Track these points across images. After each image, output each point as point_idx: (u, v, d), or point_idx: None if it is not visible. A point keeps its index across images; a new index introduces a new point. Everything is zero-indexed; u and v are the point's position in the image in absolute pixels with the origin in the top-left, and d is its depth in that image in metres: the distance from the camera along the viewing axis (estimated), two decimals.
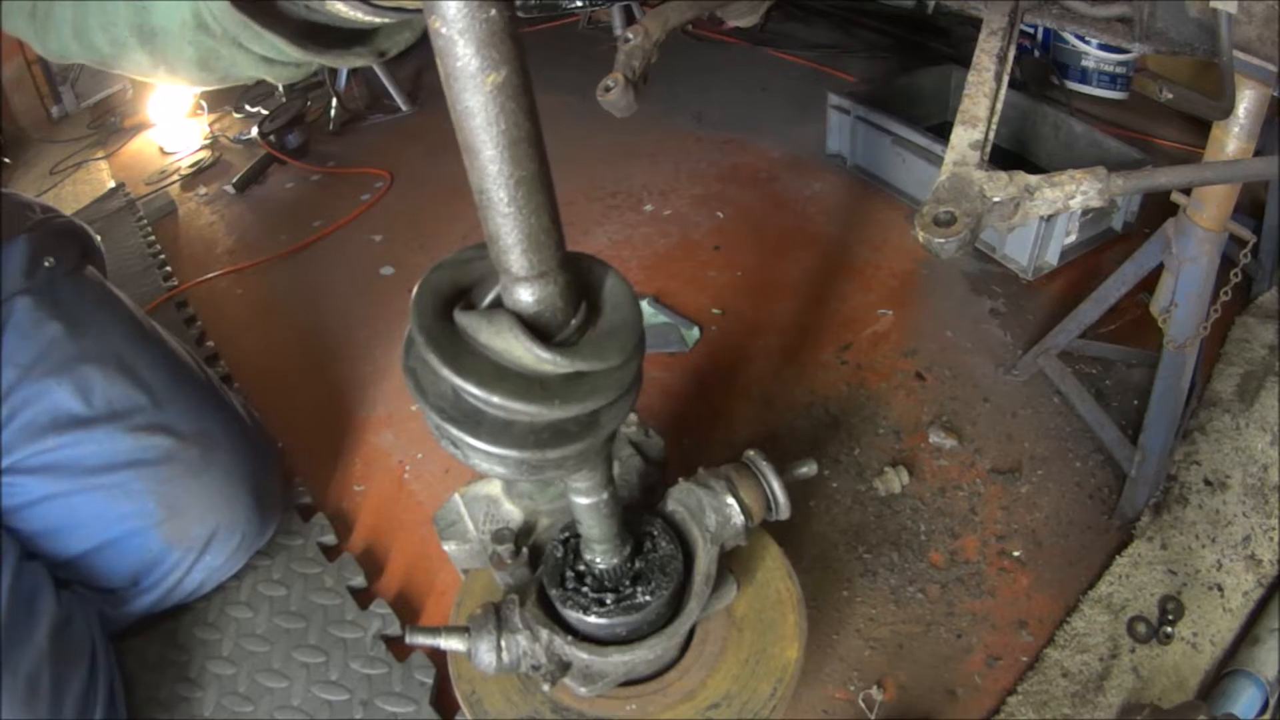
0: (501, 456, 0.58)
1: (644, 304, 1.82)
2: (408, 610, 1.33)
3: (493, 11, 0.42)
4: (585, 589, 0.85)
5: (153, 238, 2.32)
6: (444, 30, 0.42)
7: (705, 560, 0.88)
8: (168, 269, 2.17)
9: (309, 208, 2.41)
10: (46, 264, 1.28)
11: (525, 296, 0.55)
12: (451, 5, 0.42)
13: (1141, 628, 1.18)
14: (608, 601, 0.84)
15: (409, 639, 0.85)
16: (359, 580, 1.34)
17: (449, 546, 0.99)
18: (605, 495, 0.77)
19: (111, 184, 2.70)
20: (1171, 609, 1.20)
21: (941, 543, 1.34)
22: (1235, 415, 1.44)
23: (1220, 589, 1.23)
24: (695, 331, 1.78)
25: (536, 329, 0.56)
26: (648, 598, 0.84)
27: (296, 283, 2.12)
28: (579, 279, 0.59)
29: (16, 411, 1.18)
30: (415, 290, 0.58)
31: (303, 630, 1.28)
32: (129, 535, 1.20)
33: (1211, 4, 0.86)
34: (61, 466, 1.18)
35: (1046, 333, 1.57)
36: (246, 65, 0.67)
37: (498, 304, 0.58)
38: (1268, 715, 1.08)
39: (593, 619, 0.83)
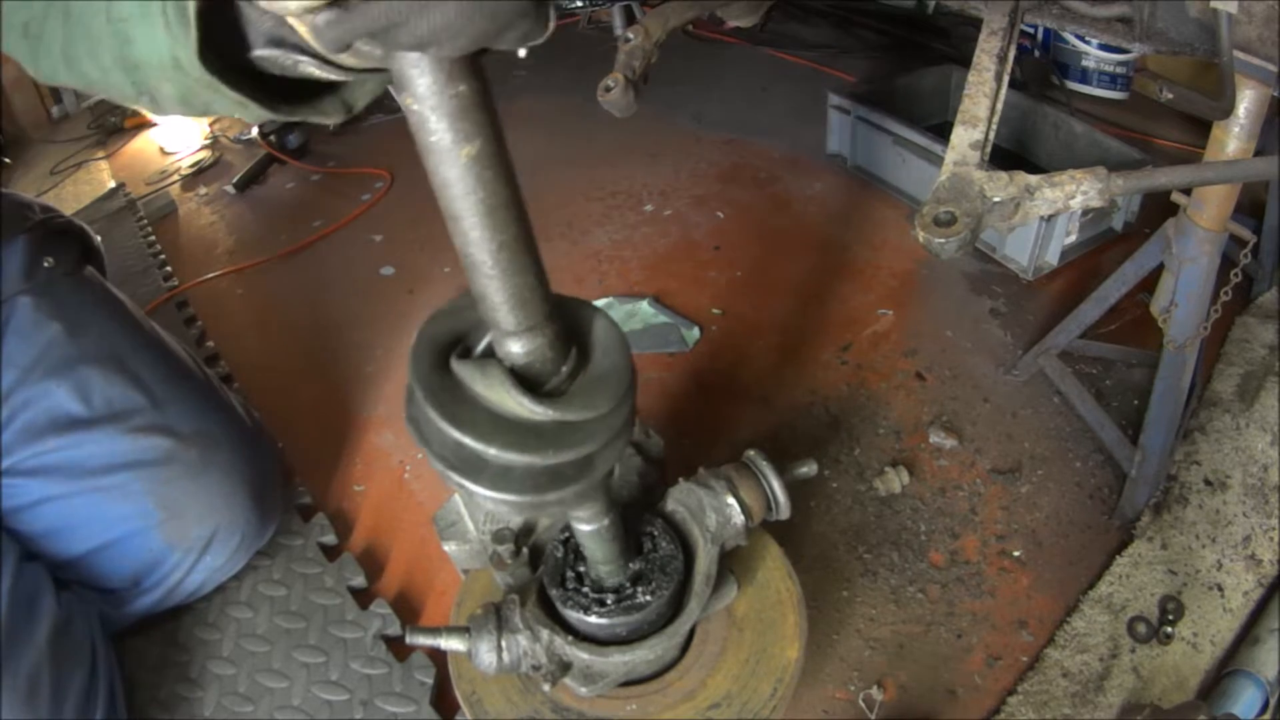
0: (502, 501, 0.59)
1: (644, 304, 1.83)
2: (408, 610, 1.33)
3: (462, 87, 0.43)
4: (586, 589, 0.85)
5: (153, 238, 2.32)
6: (416, 107, 0.44)
7: (705, 560, 0.88)
8: (168, 269, 2.17)
9: (309, 208, 2.41)
10: (46, 264, 1.28)
11: (515, 349, 0.57)
12: (421, 83, 0.43)
13: (1141, 628, 1.18)
14: (608, 602, 0.84)
15: (409, 639, 0.86)
16: (359, 580, 1.34)
17: (449, 547, 0.99)
18: (606, 522, 0.77)
19: (111, 184, 2.69)
20: (1171, 609, 1.20)
21: (941, 543, 1.34)
22: (1235, 415, 1.44)
23: (1220, 589, 1.23)
24: (695, 331, 1.78)
25: (528, 379, 0.57)
26: (648, 598, 0.84)
27: (296, 283, 2.12)
28: (569, 324, 0.61)
29: (16, 413, 1.18)
30: (413, 341, 0.60)
31: (303, 630, 1.28)
32: (129, 536, 1.20)
33: (1211, 4, 0.86)
34: (61, 468, 1.18)
35: (1046, 333, 1.57)
36: (223, 107, 0.67)
37: (491, 351, 0.59)
38: (1268, 715, 1.08)
39: (593, 619, 0.83)
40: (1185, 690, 1.14)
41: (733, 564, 0.98)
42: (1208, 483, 1.36)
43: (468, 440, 0.57)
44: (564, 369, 0.59)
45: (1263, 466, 1.36)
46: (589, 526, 0.77)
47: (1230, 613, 1.21)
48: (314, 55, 0.52)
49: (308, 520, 1.44)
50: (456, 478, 0.59)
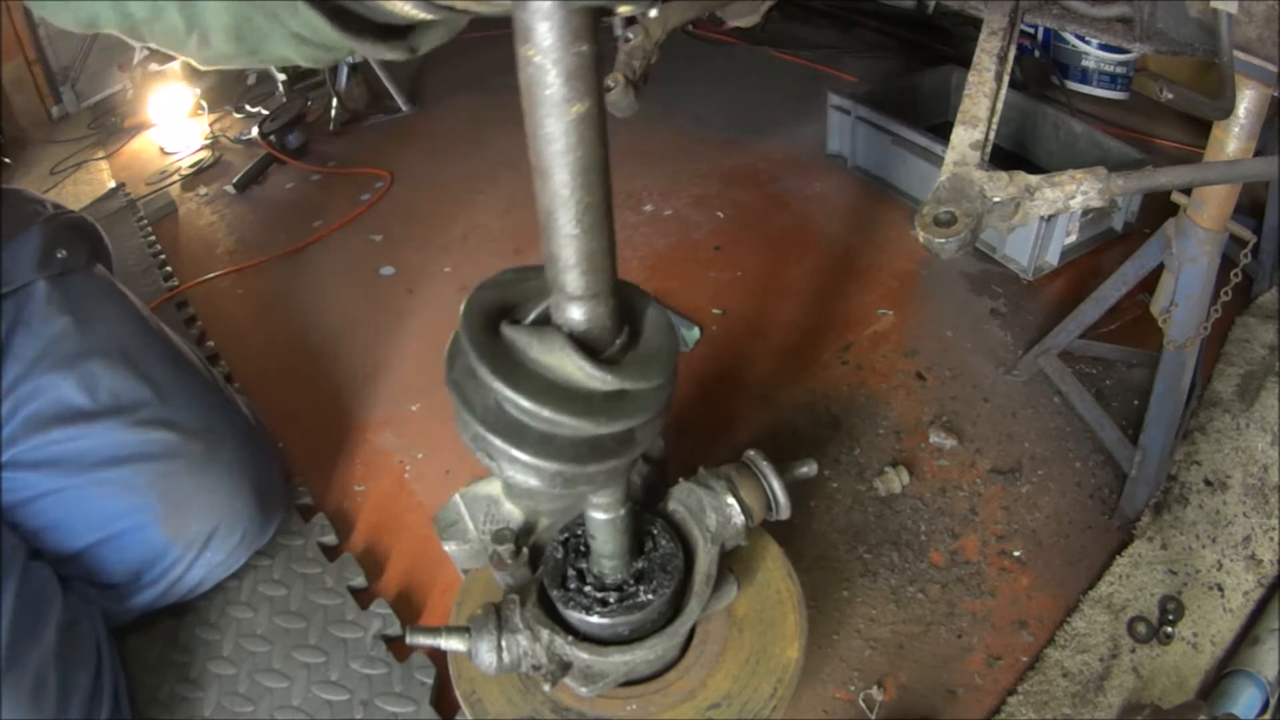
0: (541, 469, 0.60)
1: None
2: (408, 610, 1.33)
3: (584, 47, 0.44)
4: (587, 588, 0.85)
5: (153, 238, 2.32)
6: (538, 59, 0.44)
7: (706, 560, 0.88)
8: (168, 269, 2.17)
9: (309, 208, 2.41)
10: (60, 255, 1.29)
11: (577, 315, 0.57)
12: (548, 36, 0.43)
13: (1142, 628, 1.18)
14: (609, 601, 0.84)
15: (409, 639, 0.86)
16: (359, 580, 1.34)
17: (449, 547, 0.99)
18: (622, 511, 0.78)
19: (112, 184, 2.70)
20: (1171, 609, 1.20)
21: (941, 543, 1.34)
22: (1235, 415, 1.44)
23: (1220, 589, 1.23)
24: (695, 331, 1.78)
25: (584, 346, 0.58)
26: (649, 597, 0.84)
27: (296, 283, 2.12)
28: (624, 303, 0.62)
29: (20, 405, 1.18)
30: (464, 306, 0.61)
31: (303, 630, 1.28)
32: (131, 530, 1.20)
33: (1212, 4, 0.86)
34: (64, 460, 1.18)
35: (1047, 333, 1.57)
36: (278, 41, 0.67)
37: (543, 321, 0.60)
38: (1268, 715, 1.08)
39: (594, 619, 0.84)
40: (1185, 690, 1.14)
41: (733, 564, 0.98)
42: (1208, 483, 1.36)
43: (522, 399, 0.57)
44: (618, 341, 0.60)
45: (1263, 466, 1.36)
46: (605, 515, 0.77)
47: (1230, 613, 1.21)
48: None
49: (308, 520, 1.44)
50: (499, 442, 0.59)
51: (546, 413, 0.57)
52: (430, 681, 1.19)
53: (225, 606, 1.31)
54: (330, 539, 1.41)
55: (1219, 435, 1.42)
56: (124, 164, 2.86)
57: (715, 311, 1.84)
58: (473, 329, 0.59)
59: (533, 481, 0.61)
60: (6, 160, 2.95)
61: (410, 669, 1.21)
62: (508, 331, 0.59)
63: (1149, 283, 1.31)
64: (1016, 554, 1.33)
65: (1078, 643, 1.19)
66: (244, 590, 1.33)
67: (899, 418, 1.55)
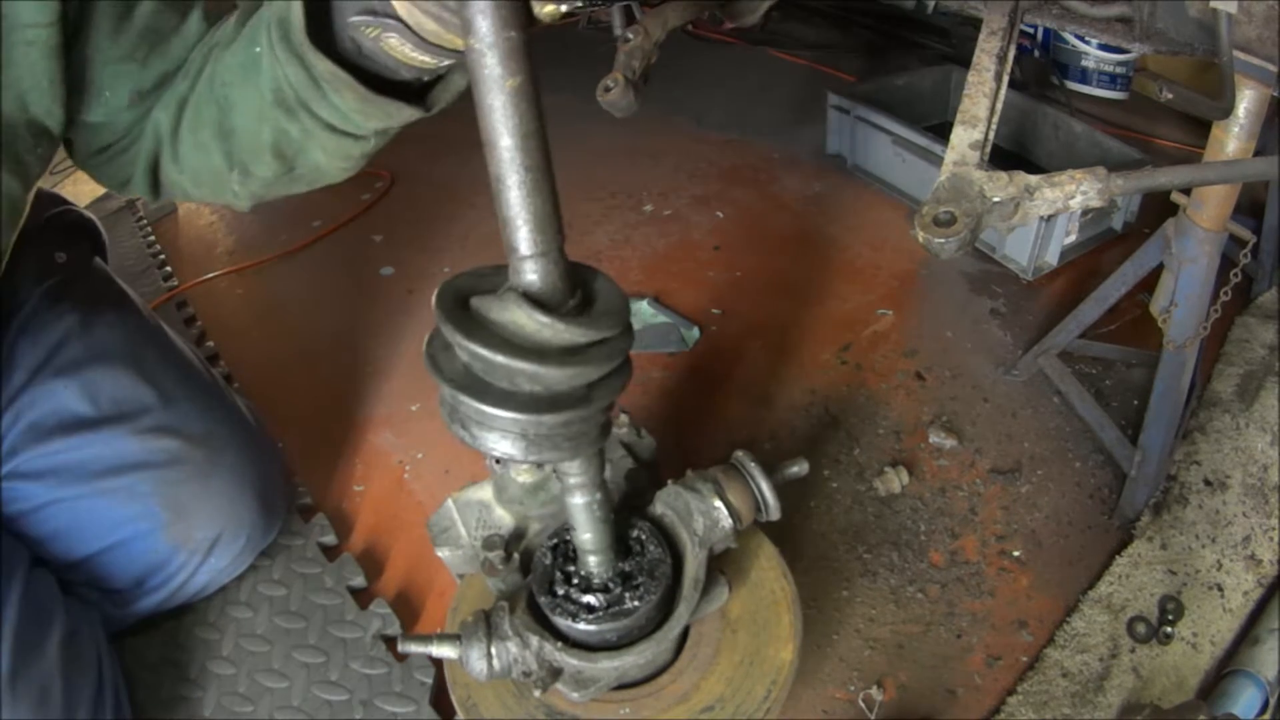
0: (504, 420, 0.64)
1: (644, 304, 1.83)
2: (408, 610, 1.33)
3: (513, 33, 0.55)
4: (574, 592, 0.86)
5: (153, 238, 2.32)
6: (477, 45, 0.55)
7: (693, 564, 0.88)
8: (167, 269, 2.17)
9: (309, 208, 2.41)
10: (59, 259, 1.26)
11: (530, 273, 0.63)
12: (484, 25, 0.54)
13: (1141, 628, 1.18)
14: (596, 608, 0.84)
15: (402, 647, 0.87)
16: (359, 580, 1.34)
17: (443, 553, 0.99)
18: (599, 495, 0.79)
19: None
20: (1171, 609, 1.20)
21: (941, 543, 1.34)
22: (1235, 415, 1.44)
23: (1220, 589, 1.23)
24: (695, 331, 1.78)
25: (539, 302, 0.63)
26: (636, 603, 0.84)
27: (296, 283, 2.12)
28: (575, 275, 0.68)
29: (22, 414, 1.16)
30: (438, 288, 0.67)
31: (303, 630, 1.28)
32: (135, 538, 1.19)
33: (1211, 4, 0.86)
34: (67, 470, 1.16)
35: (1046, 333, 1.57)
36: (313, 148, 0.80)
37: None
38: (1268, 715, 1.08)
39: (582, 626, 0.84)
40: (1185, 690, 1.14)
41: (726, 565, 0.97)
42: (1207, 483, 1.36)
43: (477, 348, 0.62)
44: (571, 302, 0.66)
45: (1262, 466, 1.36)
46: (582, 499, 0.78)
47: (1230, 613, 1.21)
48: (401, 22, 0.64)
49: (308, 520, 1.44)
50: (464, 397, 0.64)
51: (501, 358, 0.62)
52: (430, 681, 1.19)
53: (225, 606, 1.31)
54: (330, 539, 1.41)
55: (1219, 435, 1.42)
56: None
57: (715, 311, 1.84)
58: (444, 302, 0.65)
59: (502, 444, 0.65)
60: None
61: (410, 669, 1.21)
62: (474, 301, 0.65)
63: (1149, 283, 1.31)
64: (1016, 554, 1.33)
65: (1077, 643, 1.19)
66: (244, 590, 1.33)
67: (899, 418, 1.55)
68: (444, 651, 0.84)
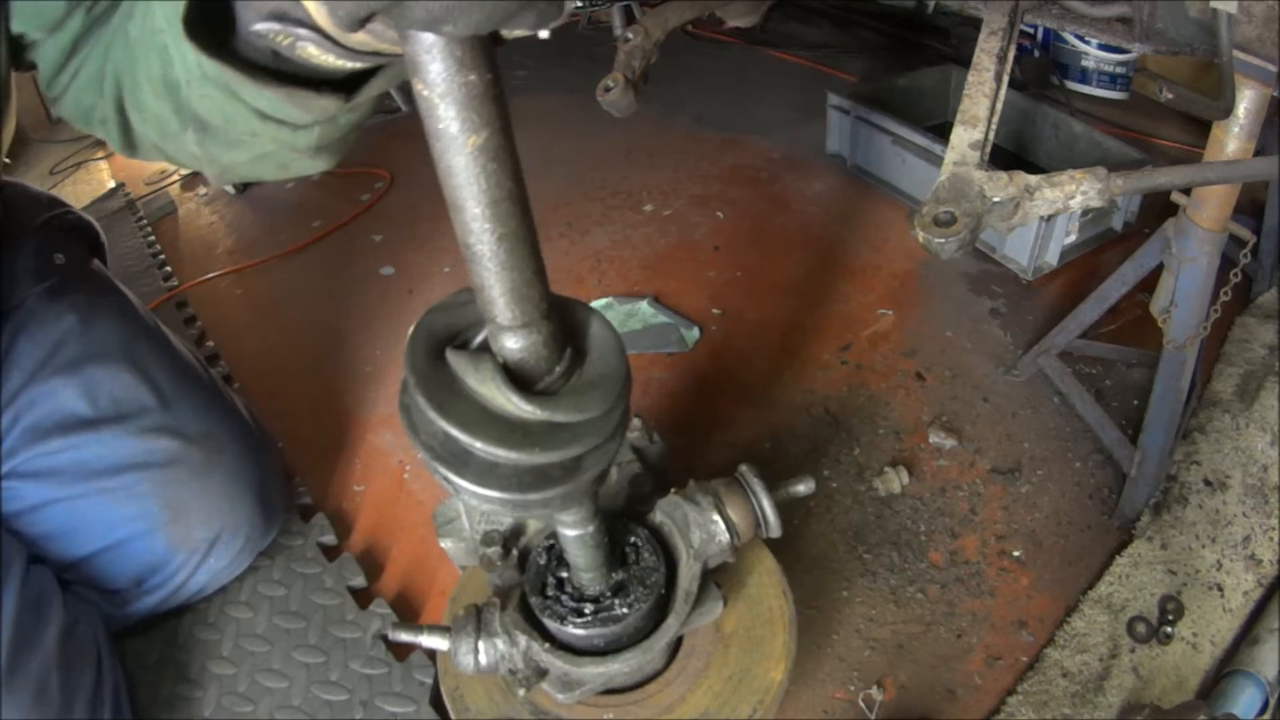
0: (486, 497, 0.59)
1: (644, 304, 1.83)
2: (408, 610, 1.33)
3: (472, 76, 0.43)
4: (565, 597, 0.85)
5: (153, 238, 2.32)
6: (426, 93, 0.44)
7: (687, 577, 0.87)
8: (168, 269, 2.17)
9: (309, 208, 2.41)
10: (58, 260, 1.25)
11: (510, 344, 0.57)
12: (433, 68, 0.43)
13: (1141, 628, 1.18)
14: (586, 612, 0.84)
15: (392, 635, 0.87)
16: (359, 580, 1.34)
17: (446, 543, 1.00)
18: (590, 529, 0.77)
19: (111, 184, 2.70)
20: (1171, 609, 1.20)
21: (941, 543, 1.34)
22: (1235, 415, 1.44)
23: (1220, 589, 1.23)
24: (695, 331, 1.78)
25: (520, 375, 0.57)
26: (625, 610, 0.83)
27: (296, 283, 2.12)
28: (565, 324, 0.60)
29: (21, 415, 1.16)
30: (410, 332, 0.60)
31: (303, 630, 1.28)
32: (133, 538, 1.19)
33: (1211, 4, 0.86)
34: (66, 470, 1.16)
35: (1046, 333, 1.57)
36: (250, 121, 0.67)
37: (488, 345, 0.59)
38: (1268, 715, 1.08)
39: (570, 629, 0.83)
40: (1185, 690, 1.14)
41: (724, 577, 0.97)
42: (1207, 483, 1.36)
43: (454, 432, 0.56)
44: (558, 369, 0.59)
45: (1262, 466, 1.36)
46: (574, 532, 0.77)
47: (1230, 613, 1.21)
48: (318, 31, 0.51)
49: (308, 520, 1.44)
50: (442, 469, 0.58)
51: (479, 444, 0.56)
52: (429, 681, 1.19)
53: (224, 606, 1.31)
54: (330, 539, 1.41)
55: (1219, 435, 1.42)
56: (123, 164, 2.85)
57: (715, 311, 1.84)
58: (416, 357, 0.58)
59: (484, 506, 0.61)
60: (7, 160, 2.95)
61: (410, 669, 1.21)
62: (451, 358, 0.58)
63: (1149, 283, 1.31)
64: (1016, 554, 1.33)
65: (1077, 643, 1.19)
66: (243, 590, 1.33)
67: (899, 418, 1.55)
68: (434, 643, 0.85)
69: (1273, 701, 1.08)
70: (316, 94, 0.59)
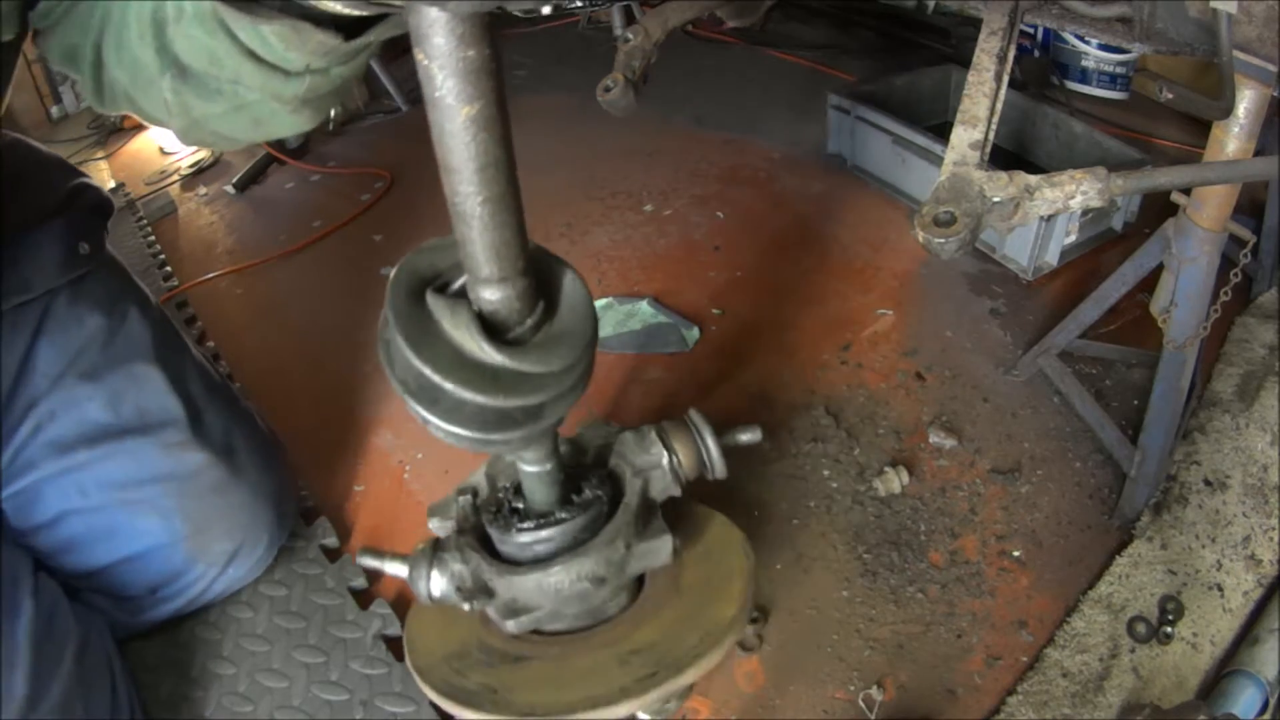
0: (451, 433, 0.64)
1: (643, 304, 1.83)
2: (408, 610, 1.32)
3: (471, 52, 0.47)
4: (515, 517, 0.88)
5: (153, 238, 2.32)
6: (426, 63, 0.47)
7: (630, 492, 0.89)
8: (168, 269, 2.17)
9: (309, 208, 2.41)
10: (82, 251, 1.16)
11: (486, 295, 0.61)
12: (436, 41, 0.46)
13: (1141, 628, 1.18)
14: (529, 523, 0.86)
15: (359, 559, 0.90)
16: (359, 580, 1.34)
17: (433, 523, 1.00)
18: (550, 466, 0.81)
19: (111, 184, 2.69)
20: (1171, 609, 1.20)
21: (941, 543, 1.34)
22: (1235, 415, 1.44)
23: (1220, 589, 1.23)
24: (695, 331, 1.78)
25: (494, 324, 0.61)
26: (565, 515, 0.85)
27: (296, 283, 2.12)
28: (540, 277, 0.65)
29: (43, 425, 1.11)
30: (395, 269, 0.64)
31: (303, 630, 1.28)
32: (154, 550, 1.16)
33: (1211, 4, 0.86)
34: (88, 481, 1.12)
35: (1046, 333, 1.57)
36: (237, 64, 0.67)
37: (465, 292, 0.63)
38: (1268, 715, 1.08)
39: (513, 537, 0.85)
40: (1185, 690, 1.14)
41: (687, 547, 0.97)
42: (1207, 483, 1.36)
43: (426, 371, 0.60)
44: (529, 321, 0.63)
45: (1262, 466, 1.36)
46: (534, 468, 0.81)
47: (1230, 613, 1.21)
48: None
49: (310, 523, 1.43)
50: (413, 404, 0.63)
51: (449, 385, 0.60)
52: None
53: (225, 606, 1.31)
54: (332, 541, 1.41)
55: (1219, 435, 1.42)
56: (123, 164, 2.86)
57: (715, 311, 1.84)
58: (398, 295, 0.62)
59: (449, 441, 0.65)
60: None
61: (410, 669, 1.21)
62: (430, 300, 0.62)
63: (1149, 283, 1.31)
64: (1016, 554, 1.33)
65: (1077, 643, 1.19)
66: (244, 590, 1.33)
67: (899, 418, 1.55)
68: (395, 569, 0.88)
69: (1273, 701, 1.08)
70: (317, 28, 0.60)
